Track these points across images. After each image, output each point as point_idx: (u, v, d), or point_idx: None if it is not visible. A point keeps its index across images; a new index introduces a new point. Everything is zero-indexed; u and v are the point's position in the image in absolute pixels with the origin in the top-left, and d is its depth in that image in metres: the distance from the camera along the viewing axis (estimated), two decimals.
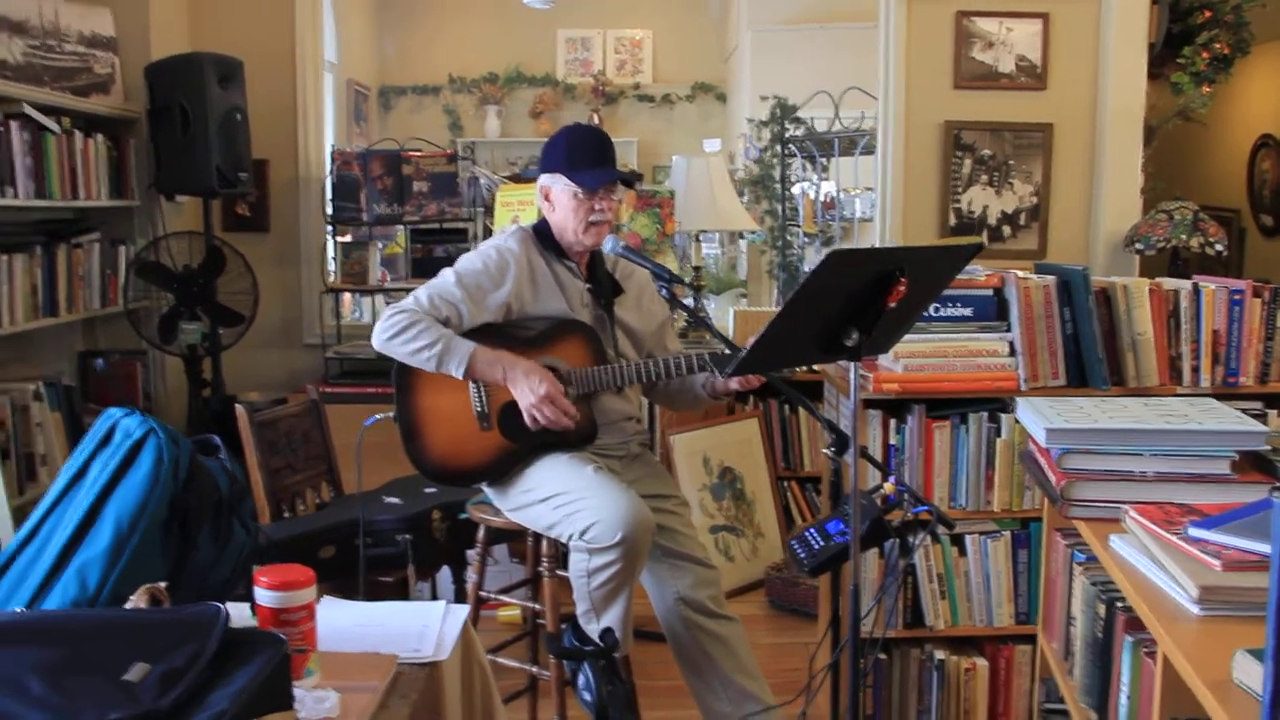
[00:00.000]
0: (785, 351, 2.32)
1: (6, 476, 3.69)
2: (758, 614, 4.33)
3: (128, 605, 1.59)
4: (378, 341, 2.85)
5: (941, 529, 2.95)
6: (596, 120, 10.50)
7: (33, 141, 3.98)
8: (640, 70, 10.74)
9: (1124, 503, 1.91)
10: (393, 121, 10.63)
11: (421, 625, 1.97)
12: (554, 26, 10.55)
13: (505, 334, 2.89)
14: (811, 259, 6.70)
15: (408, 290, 5.21)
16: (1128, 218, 5.14)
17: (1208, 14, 5.26)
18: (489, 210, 4.99)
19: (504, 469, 2.90)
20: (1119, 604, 1.94)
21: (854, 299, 2.17)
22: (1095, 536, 1.91)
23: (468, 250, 5.05)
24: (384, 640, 1.87)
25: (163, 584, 1.62)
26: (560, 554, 2.95)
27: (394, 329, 2.81)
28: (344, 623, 1.95)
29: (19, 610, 1.68)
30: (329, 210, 5.31)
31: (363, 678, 1.71)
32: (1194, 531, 1.68)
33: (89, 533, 1.74)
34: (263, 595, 1.64)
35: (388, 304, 6.08)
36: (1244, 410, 2.23)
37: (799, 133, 6.59)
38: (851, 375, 2.28)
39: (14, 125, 3.86)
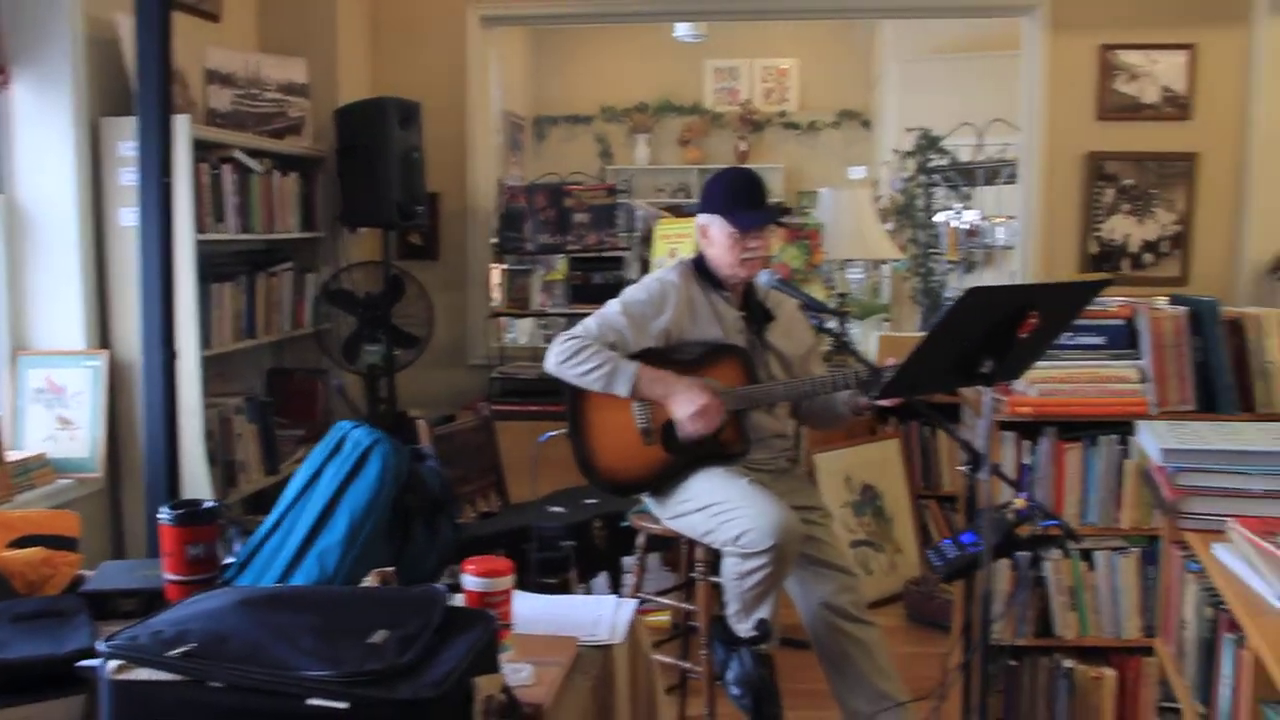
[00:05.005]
0: (926, 376, 2.55)
1: (213, 481, 4.12)
2: (895, 625, 4.52)
3: (363, 585, 1.91)
4: (550, 365, 3.13)
5: (1071, 543, 3.15)
6: (743, 148, 10.75)
7: (240, 182, 4.44)
8: (786, 98, 10.94)
9: (1231, 516, 2.09)
10: (546, 150, 11.03)
11: (596, 615, 2.23)
12: (702, 57, 10.83)
13: (666, 358, 3.15)
14: (954, 285, 6.85)
15: (567, 315, 5.59)
16: (1273, 246, 5.18)
17: None
18: (645, 240, 5.29)
19: (665, 480, 3.16)
20: (1222, 606, 2.13)
21: (990, 330, 2.40)
22: (1202, 545, 2.10)
23: (622, 277, 5.39)
24: (564, 626, 2.13)
25: (390, 569, 1.94)
26: (713, 560, 3.21)
27: (566, 354, 3.09)
28: (529, 611, 2.21)
29: (277, 585, 2.02)
30: (495, 239, 5.69)
31: (550, 655, 1.97)
32: None
33: (326, 525, 2.06)
34: (470, 580, 1.93)
35: (540, 327, 6.46)
36: None
37: (943, 163, 6.75)
38: (985, 399, 2.50)
39: (226, 168, 4.32)
